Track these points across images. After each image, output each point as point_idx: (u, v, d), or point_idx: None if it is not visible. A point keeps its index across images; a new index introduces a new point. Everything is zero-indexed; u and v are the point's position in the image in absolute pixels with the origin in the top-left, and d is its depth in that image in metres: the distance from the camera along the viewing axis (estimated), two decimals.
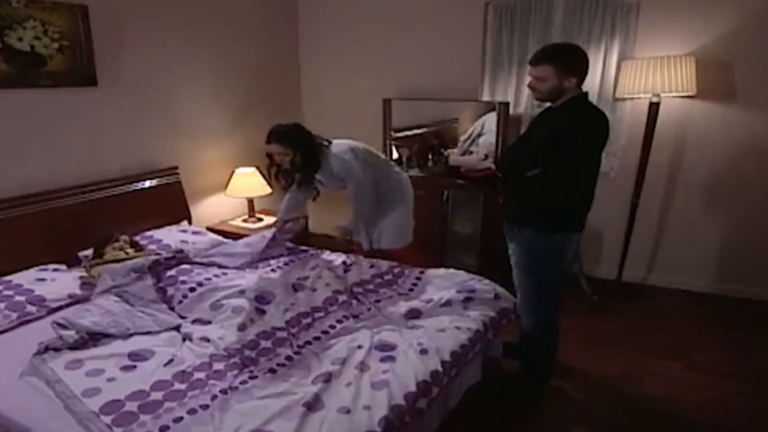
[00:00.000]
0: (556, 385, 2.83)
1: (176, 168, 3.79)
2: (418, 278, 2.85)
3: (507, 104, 3.92)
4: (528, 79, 2.48)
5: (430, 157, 4.32)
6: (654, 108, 3.49)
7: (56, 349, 2.11)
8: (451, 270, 2.86)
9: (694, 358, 3.10)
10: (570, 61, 2.36)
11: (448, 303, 2.49)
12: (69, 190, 3.12)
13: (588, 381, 2.90)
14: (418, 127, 4.46)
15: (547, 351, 2.77)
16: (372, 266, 2.98)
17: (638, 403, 2.71)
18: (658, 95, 3.45)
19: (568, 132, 2.33)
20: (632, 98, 3.70)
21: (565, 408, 2.69)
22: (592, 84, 3.84)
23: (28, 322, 2.42)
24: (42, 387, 1.92)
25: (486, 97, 4.24)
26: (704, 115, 3.63)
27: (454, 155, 4.21)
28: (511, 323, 2.65)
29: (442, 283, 2.74)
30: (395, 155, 4.40)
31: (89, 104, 3.25)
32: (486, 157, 4.05)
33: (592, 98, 3.82)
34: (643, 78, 3.40)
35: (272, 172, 3.13)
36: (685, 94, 3.43)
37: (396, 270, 2.94)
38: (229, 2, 4.12)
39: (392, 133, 4.36)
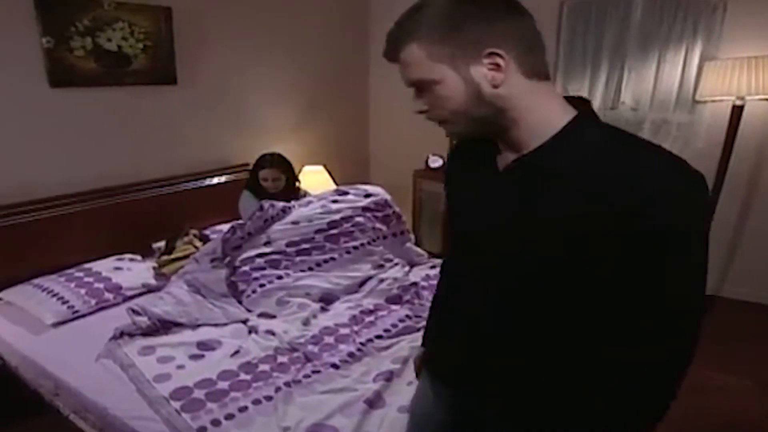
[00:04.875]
0: None
1: (247, 165, 3.86)
2: None
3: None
4: None
5: None
6: (737, 111, 3.31)
7: (130, 335, 2.20)
8: None
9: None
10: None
11: None
12: (146, 183, 3.25)
13: None
14: None
15: None
16: (434, 266, 2.97)
17: None
18: (743, 98, 3.26)
19: None
20: (713, 101, 3.52)
21: None
22: (669, 86, 3.68)
23: (105, 308, 2.54)
24: (116, 370, 2.01)
25: None
26: None
27: None
28: None
29: None
30: None
31: (168, 102, 3.38)
32: None
33: (670, 102, 3.69)
34: (727, 80, 3.21)
35: None
36: None
37: None
38: (301, 3, 4.20)
39: None
